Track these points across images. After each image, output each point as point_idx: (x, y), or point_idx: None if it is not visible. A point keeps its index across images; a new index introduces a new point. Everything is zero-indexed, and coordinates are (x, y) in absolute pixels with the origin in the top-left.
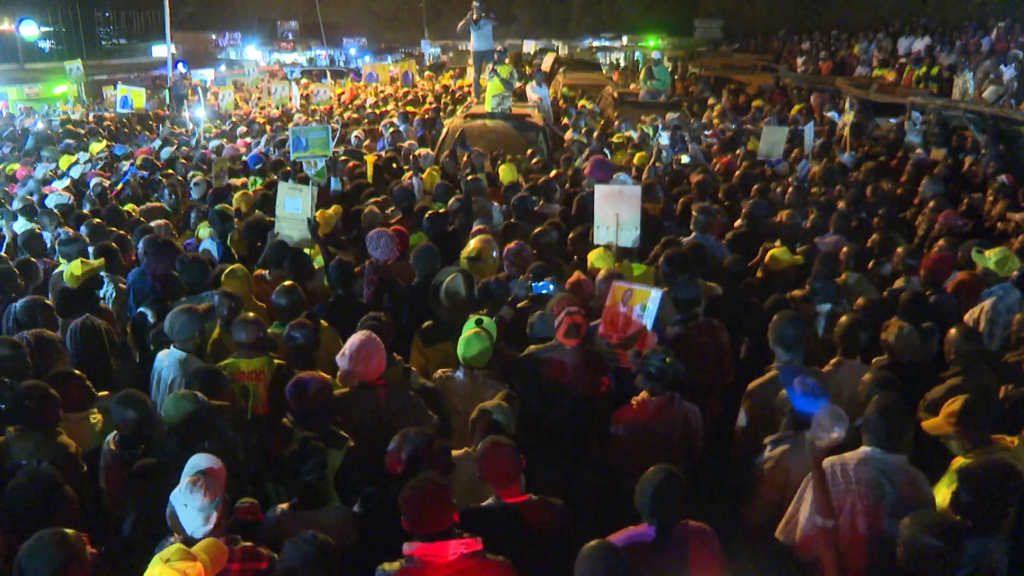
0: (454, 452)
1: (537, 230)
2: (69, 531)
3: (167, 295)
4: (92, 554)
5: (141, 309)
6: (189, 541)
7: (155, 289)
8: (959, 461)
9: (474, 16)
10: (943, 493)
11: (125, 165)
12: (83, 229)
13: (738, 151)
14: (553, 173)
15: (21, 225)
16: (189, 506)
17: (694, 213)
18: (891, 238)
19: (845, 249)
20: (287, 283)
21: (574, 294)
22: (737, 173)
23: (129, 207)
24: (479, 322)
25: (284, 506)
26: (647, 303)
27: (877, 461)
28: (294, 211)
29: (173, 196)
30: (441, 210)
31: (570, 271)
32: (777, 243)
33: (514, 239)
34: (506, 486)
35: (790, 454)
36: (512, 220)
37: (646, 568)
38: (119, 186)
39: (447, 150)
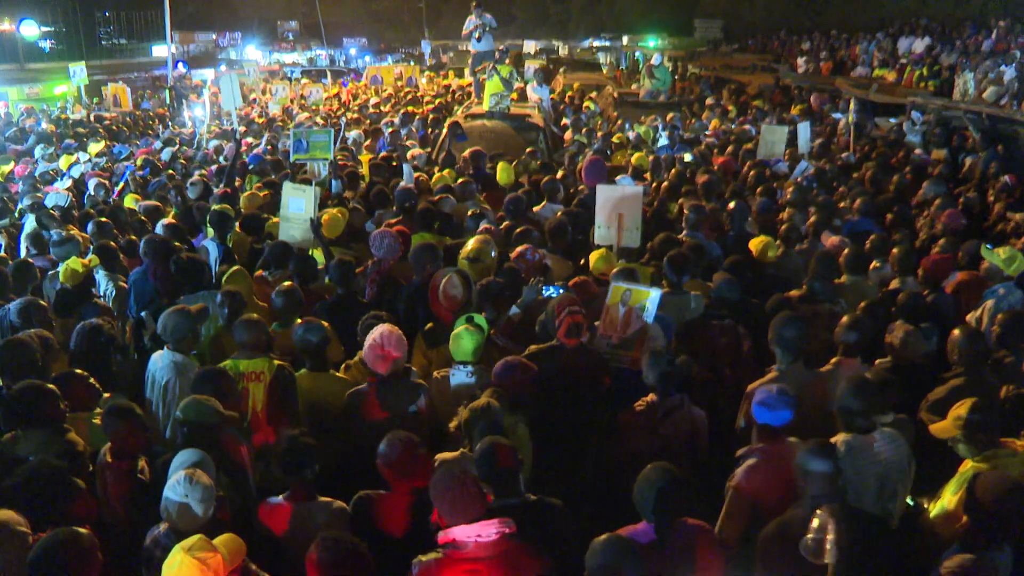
0: (449, 455)
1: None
2: (83, 531)
3: (167, 295)
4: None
5: (143, 314)
6: (180, 531)
7: (155, 289)
8: (968, 464)
9: (477, 35)
10: (949, 497)
11: (124, 165)
12: (89, 228)
13: (736, 151)
14: (560, 174)
15: (27, 223)
16: (190, 497)
17: (686, 211)
18: (886, 238)
19: (846, 251)
20: (286, 284)
21: (577, 294)
22: (745, 173)
23: (129, 199)
24: (469, 319)
25: (279, 499)
26: (646, 303)
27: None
28: (297, 211)
29: (179, 197)
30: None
31: (573, 272)
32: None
33: (515, 240)
34: (505, 486)
35: (756, 470)
36: (508, 222)
37: (647, 566)
38: (119, 186)
39: (445, 151)
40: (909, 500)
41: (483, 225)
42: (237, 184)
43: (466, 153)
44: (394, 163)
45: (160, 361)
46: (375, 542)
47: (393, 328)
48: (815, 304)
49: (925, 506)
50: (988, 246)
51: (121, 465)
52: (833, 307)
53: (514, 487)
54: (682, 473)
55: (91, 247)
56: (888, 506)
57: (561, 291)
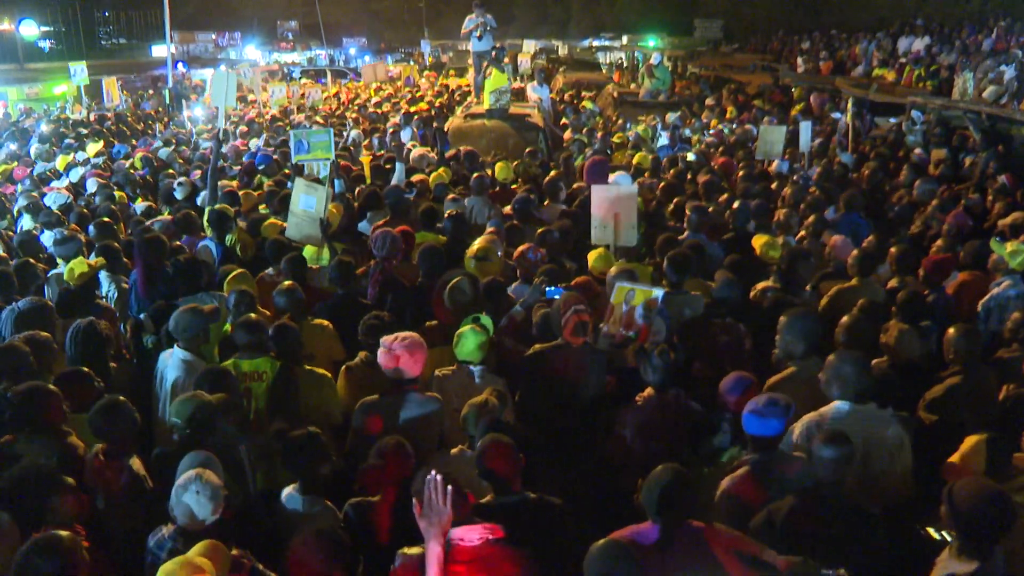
0: (451, 451)
1: (540, 230)
2: (64, 533)
3: (154, 298)
4: (89, 550)
5: (141, 316)
6: (187, 531)
7: (142, 293)
8: None
9: (478, 34)
10: None
11: (123, 165)
12: (90, 229)
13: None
14: (560, 173)
15: (24, 223)
16: (201, 493)
17: (688, 212)
18: (885, 239)
19: (854, 253)
20: (287, 283)
21: (580, 294)
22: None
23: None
24: (475, 319)
25: (284, 496)
26: (649, 303)
27: (848, 413)
28: (307, 208)
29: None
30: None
31: (575, 271)
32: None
33: (517, 240)
34: (505, 484)
35: (745, 480)
36: (514, 222)
37: (649, 567)
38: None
39: (437, 151)
40: (934, 533)
41: (489, 228)
42: (236, 185)
43: (459, 151)
44: (387, 165)
45: (170, 359)
46: (369, 547)
47: (414, 339)
48: (784, 296)
49: (943, 535)
50: (998, 239)
51: (113, 464)
52: (796, 300)
53: (514, 485)
54: (689, 474)
55: (93, 247)
56: (873, 484)
57: (564, 292)
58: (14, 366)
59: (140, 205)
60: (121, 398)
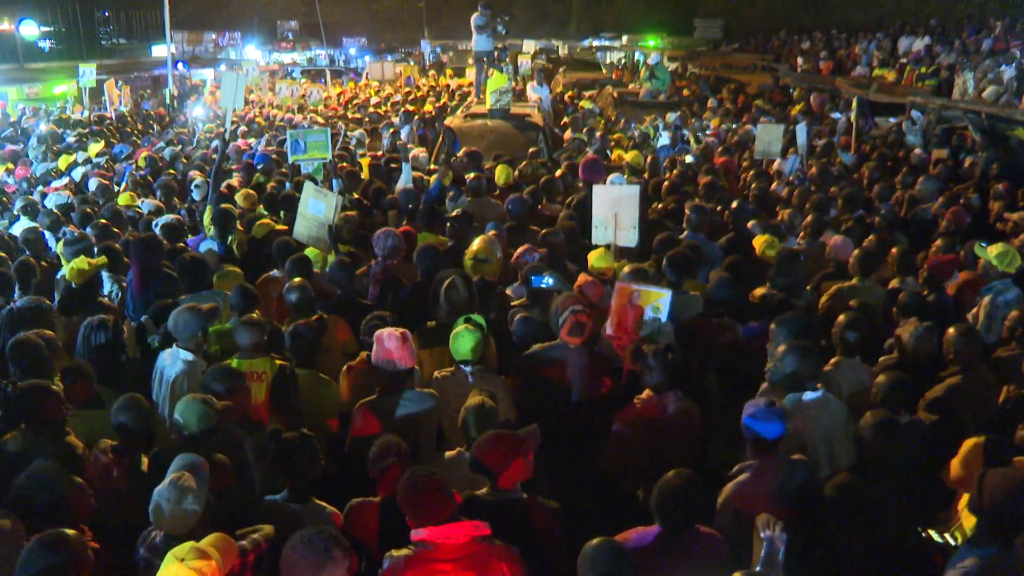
0: (448, 453)
1: (543, 231)
2: (70, 532)
3: (145, 297)
4: (95, 549)
5: (143, 319)
6: (176, 537)
7: (131, 290)
8: None
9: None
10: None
11: (125, 165)
12: (89, 230)
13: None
14: (559, 173)
15: (21, 224)
16: (172, 500)
17: (687, 212)
18: (887, 239)
19: (856, 252)
20: (298, 280)
21: (581, 296)
22: (746, 174)
23: (125, 196)
24: (468, 319)
25: (276, 497)
26: (659, 304)
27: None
28: (316, 213)
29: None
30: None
31: (576, 272)
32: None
33: (517, 241)
34: (495, 478)
35: (747, 486)
36: (512, 222)
37: (650, 570)
38: (122, 186)
39: (444, 154)
40: (935, 535)
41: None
42: (237, 183)
43: (462, 152)
44: (392, 165)
45: (169, 359)
46: (367, 549)
47: (398, 330)
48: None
49: (945, 538)
50: (982, 244)
51: (122, 461)
52: (796, 301)
53: (505, 482)
54: (696, 478)
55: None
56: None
57: (551, 281)
58: (30, 359)
59: (148, 204)
60: (139, 395)
